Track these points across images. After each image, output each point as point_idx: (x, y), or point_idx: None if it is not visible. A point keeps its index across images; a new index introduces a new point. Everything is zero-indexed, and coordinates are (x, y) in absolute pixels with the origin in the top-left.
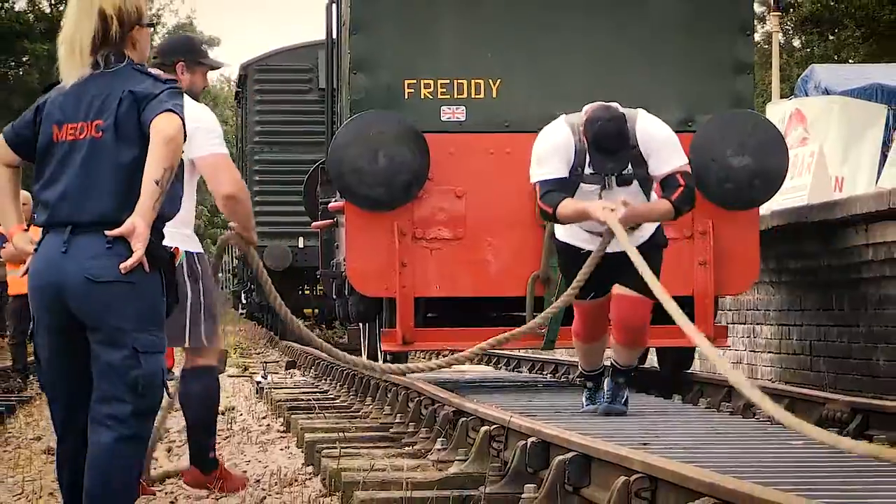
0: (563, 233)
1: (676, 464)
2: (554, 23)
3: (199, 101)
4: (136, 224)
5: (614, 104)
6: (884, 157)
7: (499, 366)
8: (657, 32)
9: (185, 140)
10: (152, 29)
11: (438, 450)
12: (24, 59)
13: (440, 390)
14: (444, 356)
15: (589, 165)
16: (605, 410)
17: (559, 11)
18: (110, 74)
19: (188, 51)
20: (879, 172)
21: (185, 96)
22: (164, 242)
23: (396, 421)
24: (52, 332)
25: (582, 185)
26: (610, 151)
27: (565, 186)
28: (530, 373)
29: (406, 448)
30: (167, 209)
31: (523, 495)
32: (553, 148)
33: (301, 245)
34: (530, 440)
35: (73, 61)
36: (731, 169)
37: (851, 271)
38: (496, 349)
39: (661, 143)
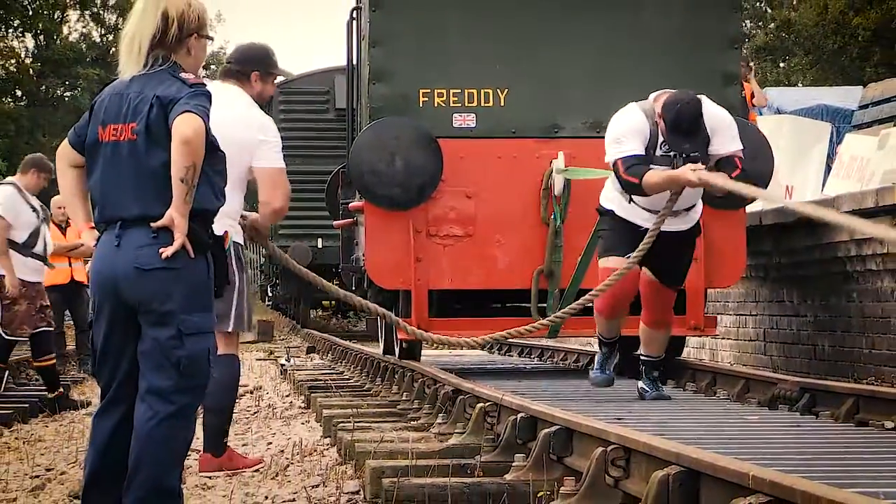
0: (622, 211)
1: (647, 436)
2: (557, 37)
3: (263, 108)
4: (173, 217)
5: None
6: (828, 168)
7: (493, 351)
8: (653, 46)
9: (206, 138)
10: (210, 42)
11: (439, 424)
12: (77, 82)
13: (441, 372)
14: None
15: (660, 147)
16: (655, 397)
17: (562, 26)
18: (147, 77)
19: (264, 62)
20: (824, 182)
21: (255, 106)
22: (216, 229)
23: (403, 399)
24: (109, 322)
25: (652, 166)
26: (688, 133)
27: (645, 163)
28: (520, 357)
29: (411, 422)
30: (214, 202)
31: (514, 463)
32: (631, 129)
33: (320, 245)
34: (520, 415)
35: (131, 57)
36: None
37: (800, 268)
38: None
39: (727, 126)
